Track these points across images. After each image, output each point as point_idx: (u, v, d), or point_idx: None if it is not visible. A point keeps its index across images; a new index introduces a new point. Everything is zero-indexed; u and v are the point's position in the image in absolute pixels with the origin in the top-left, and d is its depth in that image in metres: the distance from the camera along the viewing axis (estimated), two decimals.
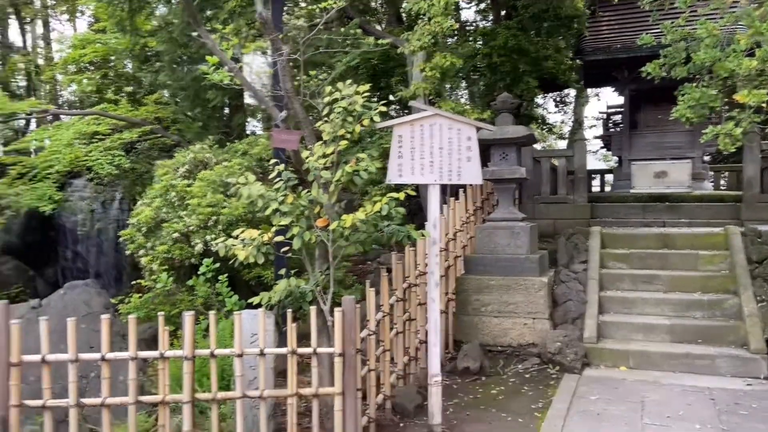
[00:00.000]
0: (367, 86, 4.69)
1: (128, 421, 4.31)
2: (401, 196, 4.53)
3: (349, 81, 4.73)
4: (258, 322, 4.62)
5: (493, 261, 7.25)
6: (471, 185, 7.99)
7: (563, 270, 7.59)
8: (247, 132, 12.72)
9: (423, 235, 5.27)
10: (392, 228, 4.80)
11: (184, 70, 9.79)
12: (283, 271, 4.96)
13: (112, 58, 13.46)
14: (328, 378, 4.69)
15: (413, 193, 4.77)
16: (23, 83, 17.42)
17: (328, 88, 4.68)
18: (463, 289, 7.17)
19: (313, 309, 4.56)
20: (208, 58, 4.84)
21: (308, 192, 4.77)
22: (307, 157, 4.81)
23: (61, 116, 12.97)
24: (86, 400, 4.29)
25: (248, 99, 13.53)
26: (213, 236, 7.01)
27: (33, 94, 16.64)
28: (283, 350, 4.50)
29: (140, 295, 7.49)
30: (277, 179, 4.89)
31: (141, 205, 7.76)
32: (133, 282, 14.08)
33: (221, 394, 4.43)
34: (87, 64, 14.52)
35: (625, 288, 7.31)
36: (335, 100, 4.75)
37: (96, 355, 4.34)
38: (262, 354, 4.46)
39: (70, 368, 4.26)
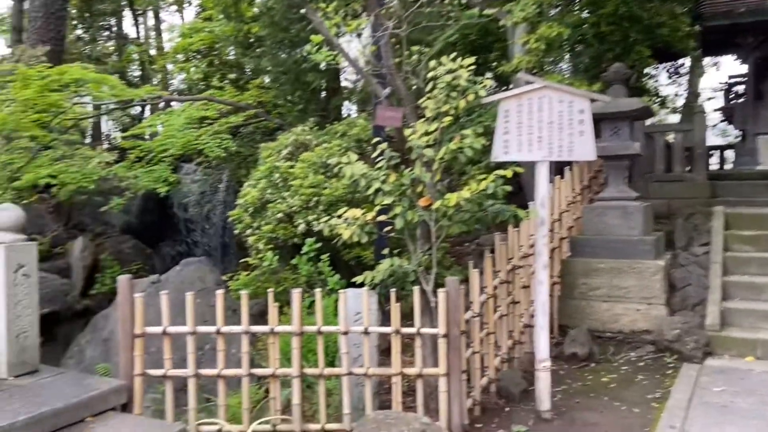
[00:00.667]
0: (471, 59, 4.52)
1: (242, 392, 4.48)
2: (508, 173, 4.35)
3: (453, 54, 4.58)
4: (362, 301, 4.64)
5: (602, 243, 6.88)
6: (577, 163, 7.60)
7: (681, 253, 7.07)
8: (344, 114, 12.86)
9: (530, 215, 5.06)
10: (497, 207, 4.64)
11: (285, 55, 10.01)
12: (386, 251, 4.92)
13: (218, 45, 14.01)
14: (431, 358, 4.64)
15: (521, 170, 4.57)
16: (138, 73, 18.59)
17: (432, 63, 4.56)
18: (569, 272, 6.86)
19: (416, 289, 4.51)
20: (312, 37, 4.86)
21: (411, 171, 4.70)
22: (409, 135, 4.73)
23: (173, 103, 13.72)
24: (203, 371, 4.50)
25: (344, 82, 13.66)
26: (315, 216, 7.12)
27: (147, 82, 17.71)
28: (387, 329, 4.50)
29: (247, 272, 7.78)
30: (379, 158, 4.85)
31: (247, 186, 8.02)
32: (240, 260, 14.81)
33: (328, 370, 4.50)
34: (194, 53, 15.23)
35: (753, 272, 6.69)
36: (438, 76, 4.63)
37: (212, 329, 4.52)
38: (366, 332, 4.48)
39: (188, 340, 4.47)
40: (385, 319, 5.55)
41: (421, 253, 4.90)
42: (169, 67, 17.79)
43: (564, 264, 6.91)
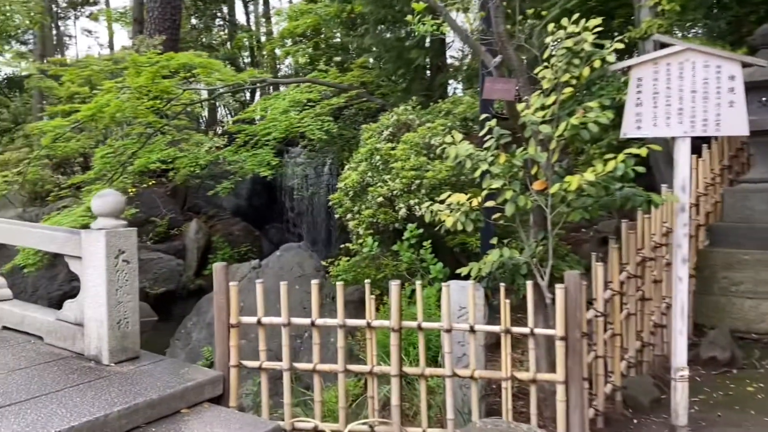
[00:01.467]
0: (598, 20, 3.89)
1: (338, 389, 4.22)
2: (642, 152, 3.70)
3: (575, 16, 3.98)
4: (467, 295, 4.21)
5: (747, 231, 5.95)
6: (717, 139, 6.64)
7: None
8: (449, 93, 12.32)
9: (666, 201, 4.37)
10: (627, 191, 4.00)
11: (388, 32, 9.67)
12: (494, 240, 4.44)
13: (322, 27, 13.94)
14: (546, 362, 4.13)
15: (659, 149, 3.90)
16: (248, 59, 19.05)
17: (550, 26, 3.98)
18: (707, 264, 6.00)
19: (529, 284, 4.01)
20: (414, 5, 4.43)
21: (523, 150, 4.17)
22: (522, 110, 4.19)
23: (281, 88, 13.86)
24: (298, 365, 4.29)
25: (450, 59, 13.10)
26: (416, 200, 6.75)
27: (256, 68, 18.11)
28: (495, 328, 4.04)
29: (348, 258, 7.57)
30: (487, 137, 4.36)
31: (348, 169, 7.79)
32: (341, 245, 14.84)
33: (429, 370, 4.12)
34: (300, 36, 15.29)
35: None
36: (557, 41, 4.04)
37: (306, 321, 4.29)
38: (472, 330, 4.05)
39: (283, 332, 4.27)
40: (492, 314, 5.09)
41: (534, 243, 4.37)
42: (277, 52, 18.05)
43: (701, 255, 6.06)
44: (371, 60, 11.72)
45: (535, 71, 4.21)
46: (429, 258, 6.66)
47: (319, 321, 4.24)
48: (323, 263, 7.34)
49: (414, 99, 8.32)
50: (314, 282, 4.30)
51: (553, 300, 4.31)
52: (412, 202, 6.73)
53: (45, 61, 14.25)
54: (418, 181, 6.77)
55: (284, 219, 15.76)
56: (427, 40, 10.42)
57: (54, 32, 18.05)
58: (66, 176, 11.01)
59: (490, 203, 4.19)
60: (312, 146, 13.59)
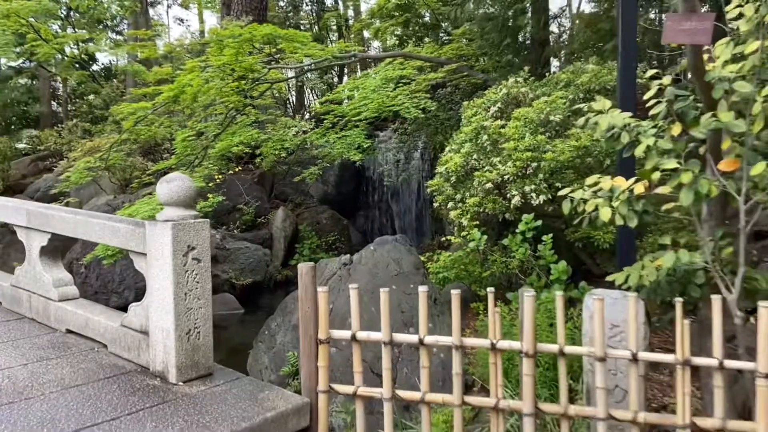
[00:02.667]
0: None
1: (454, 426, 3.33)
2: None
3: None
4: (624, 311, 3.18)
5: None
6: None
7: None
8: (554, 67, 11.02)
9: None
10: None
11: None
12: (666, 240, 3.37)
13: (414, 3, 12.99)
14: (732, 404, 3.04)
15: None
16: (335, 41, 18.40)
17: None
18: None
19: (715, 299, 2.93)
20: None
21: (712, 117, 3.06)
22: (708, 64, 3.08)
23: (369, 68, 13.06)
24: (403, 394, 3.42)
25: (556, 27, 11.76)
26: (533, 186, 5.71)
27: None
28: (668, 357, 2.99)
29: (448, 252, 6.64)
30: (653, 101, 3.28)
31: (448, 151, 6.84)
32: (435, 234, 13.94)
33: (575, 409, 3.14)
34: (390, 15, 14.40)
35: None
36: None
37: (413, 338, 3.40)
38: (634, 359, 3.02)
39: (384, 352, 3.40)
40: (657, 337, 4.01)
41: (713, 242, 3.27)
42: (366, 35, 17.30)
43: None
44: (471, 30, 10.60)
45: (727, 9, 3.07)
46: (548, 255, 5.61)
47: (429, 339, 3.35)
48: (421, 258, 6.45)
49: (526, 69, 7.21)
50: (422, 289, 3.40)
51: (746, 321, 3.21)
52: (527, 188, 5.70)
53: (137, 39, 14.20)
54: (534, 164, 5.72)
55: (373, 207, 15.04)
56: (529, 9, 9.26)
57: (146, 21, 18.18)
58: (154, 163, 10.77)
59: (664, 189, 3.11)
60: (403, 130, 12.73)
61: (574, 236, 6.07)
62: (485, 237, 5.92)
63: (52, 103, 20.02)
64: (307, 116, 16.27)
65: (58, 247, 4.58)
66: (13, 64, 19.02)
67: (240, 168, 13.47)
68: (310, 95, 18.14)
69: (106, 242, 3.98)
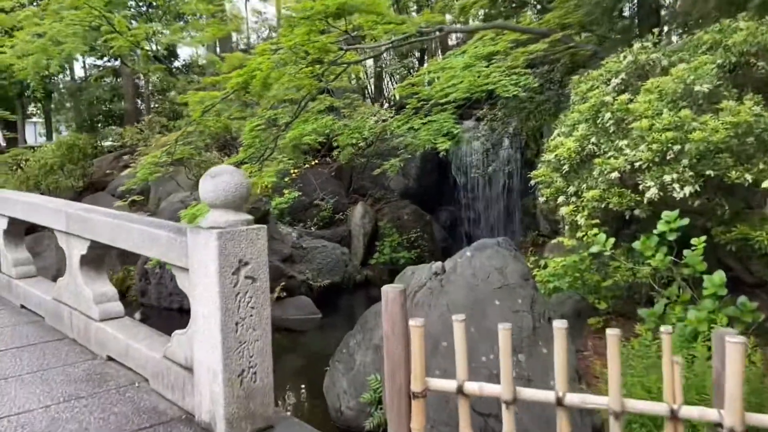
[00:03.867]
0: None
1: None
2: None
3: None
4: None
5: None
6: None
7: None
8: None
9: None
10: None
11: None
12: None
13: None
14: None
15: None
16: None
17: None
18: None
19: None
20: None
21: None
22: None
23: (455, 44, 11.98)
24: None
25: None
26: (674, 175, 4.51)
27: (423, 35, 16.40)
28: None
29: (560, 258, 5.53)
30: None
31: (557, 135, 5.72)
32: (527, 232, 12.70)
33: None
34: None
35: None
36: None
37: (547, 396, 2.38)
38: None
39: (505, 414, 2.41)
40: None
41: None
42: (448, 18, 16.16)
43: None
44: None
45: None
46: (696, 263, 4.40)
47: (573, 398, 2.32)
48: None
49: (655, 33, 5.92)
50: (559, 325, 2.36)
51: None
52: (667, 177, 4.50)
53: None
54: (677, 147, 4.51)
55: (457, 201, 13.97)
56: None
57: (225, 14, 17.90)
58: (229, 157, 10.23)
59: None
60: (492, 116, 11.57)
61: (727, 237, 4.80)
62: (612, 240, 4.76)
63: (137, 100, 20.23)
64: (386, 105, 15.39)
65: (102, 256, 3.88)
66: (97, 62, 19.35)
67: (316, 161, 12.78)
68: (389, 83, 17.21)
69: (145, 252, 3.21)
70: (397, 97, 17.78)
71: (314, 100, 7.01)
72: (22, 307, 4.62)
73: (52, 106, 20.86)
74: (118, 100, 20.22)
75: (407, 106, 7.52)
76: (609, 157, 4.97)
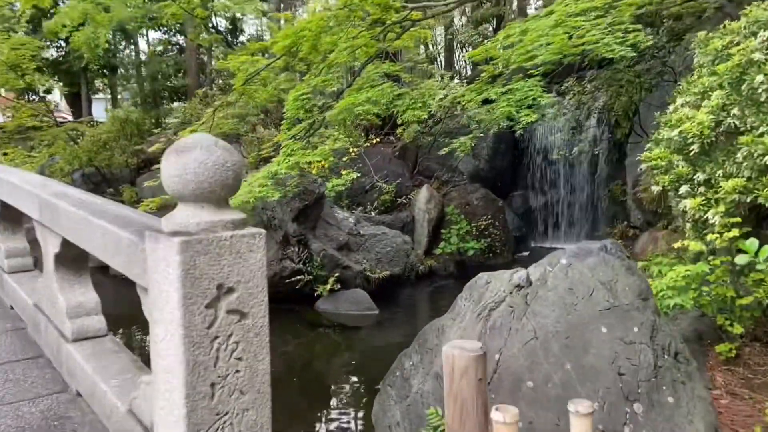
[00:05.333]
0: None
1: None
2: None
3: None
4: None
5: None
6: None
7: None
8: None
9: None
10: None
11: None
12: None
13: None
14: None
15: None
16: None
17: None
18: None
19: None
20: None
21: None
22: None
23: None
24: None
25: None
26: None
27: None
28: None
29: (683, 266, 4.27)
30: None
31: (681, 105, 4.41)
32: (614, 222, 11.18)
33: None
34: None
35: None
36: None
37: None
38: None
39: None
40: None
41: None
42: None
43: None
44: None
45: None
46: None
47: None
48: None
49: None
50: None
51: None
52: None
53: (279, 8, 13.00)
54: None
55: (533, 185, 12.62)
56: None
57: None
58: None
59: None
60: (581, 89, 10.13)
61: None
62: (766, 248, 3.48)
63: (200, 76, 19.80)
64: (456, 80, 14.13)
65: (83, 256, 2.98)
66: (159, 36, 18.99)
67: (378, 140, 11.74)
68: (461, 55, 15.85)
69: (108, 261, 2.27)
70: (469, 71, 16.44)
71: (370, 63, 5.93)
72: (12, 308, 3.86)
73: (118, 81, 20.78)
74: (183, 77, 19.87)
75: (482, 75, 6.31)
76: (761, 135, 3.66)
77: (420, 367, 4.03)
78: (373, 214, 10.55)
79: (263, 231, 1.79)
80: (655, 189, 4.55)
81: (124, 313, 6.74)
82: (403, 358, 4.18)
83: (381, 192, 10.78)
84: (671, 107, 4.62)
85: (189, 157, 1.70)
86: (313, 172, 8.79)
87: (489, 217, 11.14)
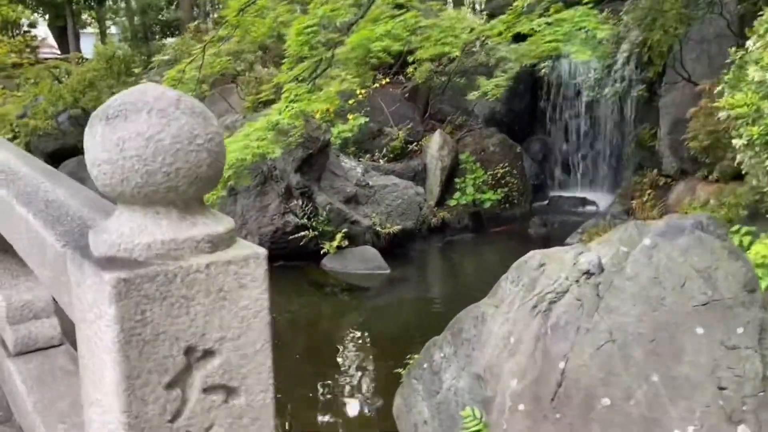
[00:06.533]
0: None
1: None
2: None
3: None
4: None
5: None
6: None
7: None
8: None
9: None
10: None
11: None
12: None
13: None
14: None
15: None
16: None
17: None
18: None
19: None
20: None
21: None
22: None
23: None
24: None
25: None
26: None
27: None
28: None
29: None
30: None
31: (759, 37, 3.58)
32: (641, 170, 10.35)
33: None
34: None
35: None
36: None
37: None
38: None
39: None
40: None
41: None
42: None
43: None
44: None
45: None
46: None
47: None
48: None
49: None
50: None
51: None
52: None
53: None
54: None
55: (553, 129, 11.76)
56: None
57: None
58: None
59: None
60: (617, 21, 9.09)
61: None
62: None
63: (194, 9, 18.52)
64: (470, 14, 13.02)
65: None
66: None
67: (387, 80, 10.80)
68: None
69: (34, 267, 1.55)
70: (483, 4, 15.26)
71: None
72: None
73: (106, 14, 19.51)
74: (176, 9, 18.61)
75: (515, 3, 5.40)
76: None
77: (454, 361, 3.38)
78: (381, 162, 9.77)
79: (263, 252, 1.06)
80: (738, 143, 3.77)
81: None
82: (432, 348, 3.52)
83: (390, 138, 9.96)
84: (757, 43, 3.79)
85: (128, 128, 0.95)
86: (317, 117, 7.97)
87: (506, 164, 10.37)
